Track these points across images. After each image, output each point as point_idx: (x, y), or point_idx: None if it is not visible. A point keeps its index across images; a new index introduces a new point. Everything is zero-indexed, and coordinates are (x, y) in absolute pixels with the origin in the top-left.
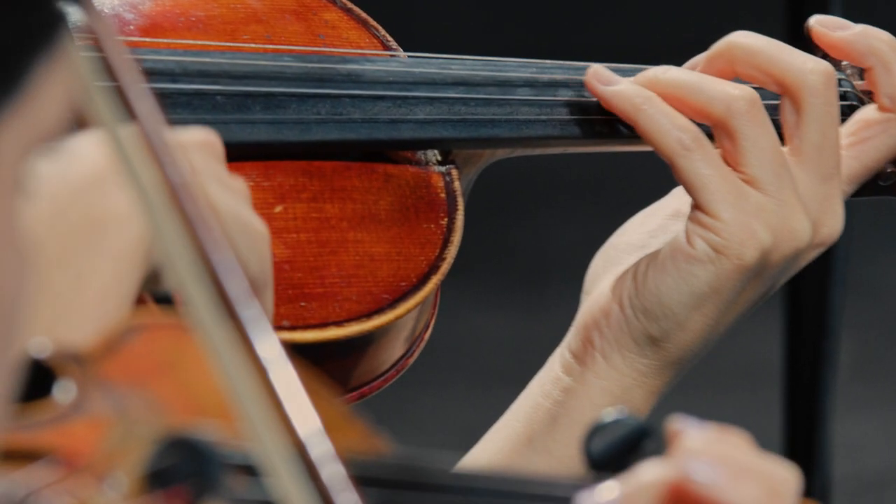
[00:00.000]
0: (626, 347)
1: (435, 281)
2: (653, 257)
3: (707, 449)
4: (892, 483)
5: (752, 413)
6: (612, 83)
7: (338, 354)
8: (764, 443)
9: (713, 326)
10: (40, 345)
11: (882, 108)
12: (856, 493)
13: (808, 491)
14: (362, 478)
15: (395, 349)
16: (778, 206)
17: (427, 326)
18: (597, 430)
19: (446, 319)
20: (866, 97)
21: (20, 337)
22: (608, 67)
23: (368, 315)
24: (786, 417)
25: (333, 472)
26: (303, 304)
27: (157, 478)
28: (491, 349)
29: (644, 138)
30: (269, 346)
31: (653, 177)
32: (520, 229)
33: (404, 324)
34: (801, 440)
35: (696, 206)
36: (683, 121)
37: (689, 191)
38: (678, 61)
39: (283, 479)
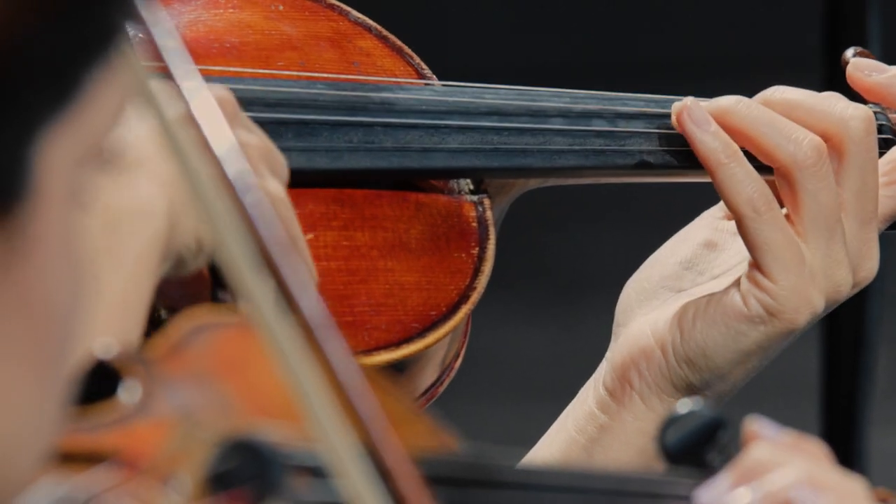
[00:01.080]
0: (666, 392)
1: (465, 310)
2: (702, 308)
3: (789, 460)
4: None
5: (790, 425)
6: (702, 125)
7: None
8: None
9: (752, 375)
10: (106, 345)
11: None
12: None
13: None
14: (433, 476)
15: (424, 378)
16: (828, 265)
17: (458, 355)
18: (671, 421)
19: (484, 333)
20: None
21: (77, 347)
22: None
23: (398, 344)
24: (823, 430)
25: (405, 471)
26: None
27: (219, 480)
28: (528, 363)
29: (719, 191)
30: (334, 341)
31: (689, 191)
32: (556, 243)
33: (434, 353)
34: (838, 452)
35: (756, 267)
36: (760, 182)
37: (752, 251)
38: (714, 86)
39: (353, 479)
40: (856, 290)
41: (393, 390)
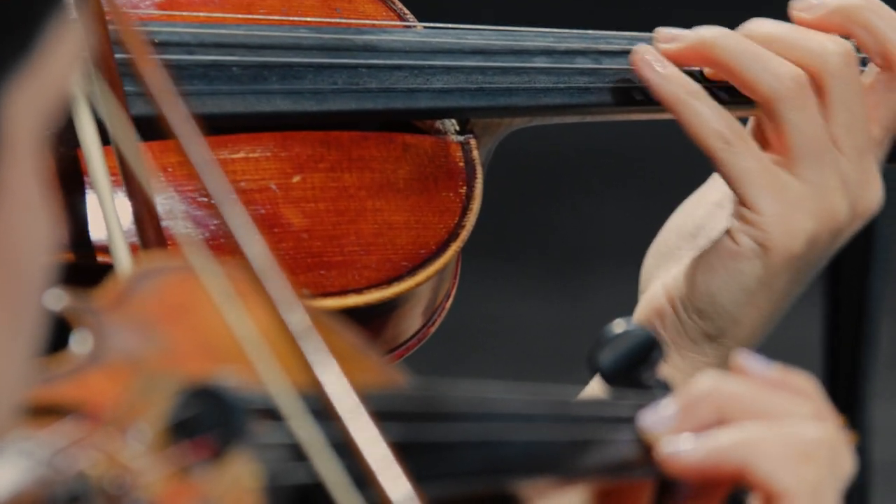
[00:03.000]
0: (685, 347)
1: (454, 248)
2: (700, 257)
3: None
4: None
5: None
6: (658, 67)
7: (358, 323)
8: None
9: (769, 316)
10: (55, 296)
11: (880, 68)
12: (895, 477)
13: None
14: (381, 412)
15: (416, 318)
16: (818, 191)
17: (448, 295)
18: (604, 342)
19: (488, 306)
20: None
21: (41, 296)
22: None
23: (388, 283)
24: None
25: (352, 410)
26: (322, 272)
27: (181, 428)
28: (533, 336)
29: (685, 129)
30: (280, 284)
31: (694, 160)
32: (561, 214)
33: (424, 292)
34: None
35: (739, 201)
36: (726, 115)
37: (730, 184)
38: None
39: (302, 420)
40: (862, 221)
41: (339, 329)
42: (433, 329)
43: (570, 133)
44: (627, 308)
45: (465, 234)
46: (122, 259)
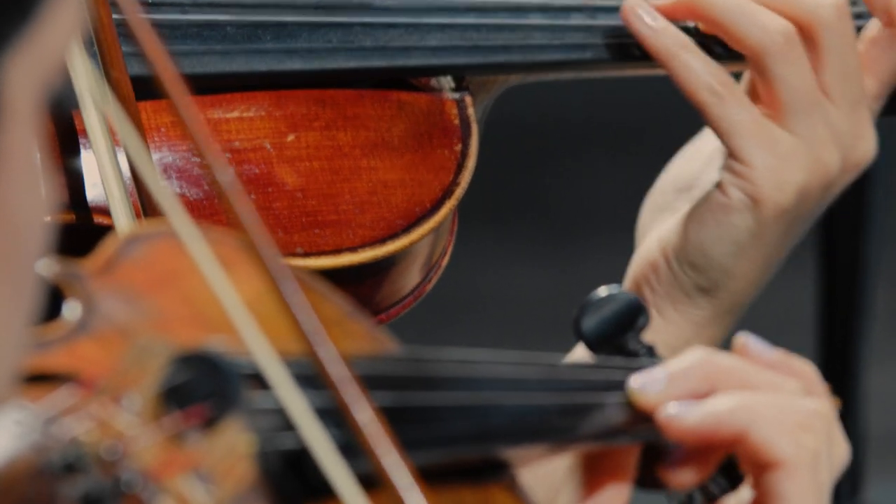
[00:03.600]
0: (679, 301)
1: (449, 206)
2: (692, 211)
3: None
4: None
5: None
6: (649, 20)
7: (354, 281)
8: None
9: (762, 268)
10: (45, 264)
11: (883, 24)
12: (890, 444)
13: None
14: (369, 377)
15: (411, 276)
16: (808, 144)
17: (444, 253)
18: (588, 307)
19: (482, 272)
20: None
21: (37, 265)
22: None
23: (382, 241)
24: (820, 368)
25: (341, 376)
26: (317, 231)
27: (174, 395)
28: (527, 302)
29: (676, 83)
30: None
31: (691, 126)
32: (555, 180)
33: (420, 250)
34: (834, 391)
35: (729, 154)
36: (716, 68)
37: (721, 137)
38: None
39: (292, 388)
40: (854, 174)
41: (329, 294)
42: (429, 286)
43: (565, 97)
44: (621, 273)
45: (459, 192)
46: (122, 220)
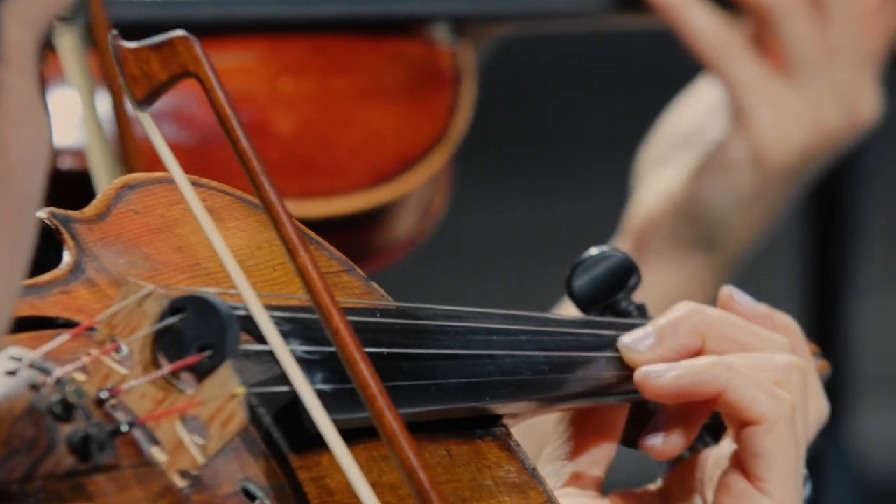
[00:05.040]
0: (679, 254)
1: (442, 155)
2: (696, 166)
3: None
4: None
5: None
6: None
7: (349, 227)
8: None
9: (761, 223)
10: (41, 212)
11: None
12: (881, 378)
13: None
14: (363, 327)
15: (407, 223)
16: (812, 101)
17: (439, 202)
18: (580, 267)
19: (469, 206)
20: None
21: (35, 206)
22: None
23: (376, 186)
24: (806, 305)
25: (334, 325)
26: (311, 176)
27: (168, 342)
28: (518, 240)
29: (682, 39)
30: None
31: (687, 66)
32: (547, 114)
33: (414, 197)
34: (823, 325)
35: (734, 112)
36: (721, 25)
37: (727, 91)
38: None
39: (285, 334)
40: (857, 131)
41: (324, 247)
42: (425, 235)
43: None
44: (614, 214)
45: (453, 142)
46: (100, 166)
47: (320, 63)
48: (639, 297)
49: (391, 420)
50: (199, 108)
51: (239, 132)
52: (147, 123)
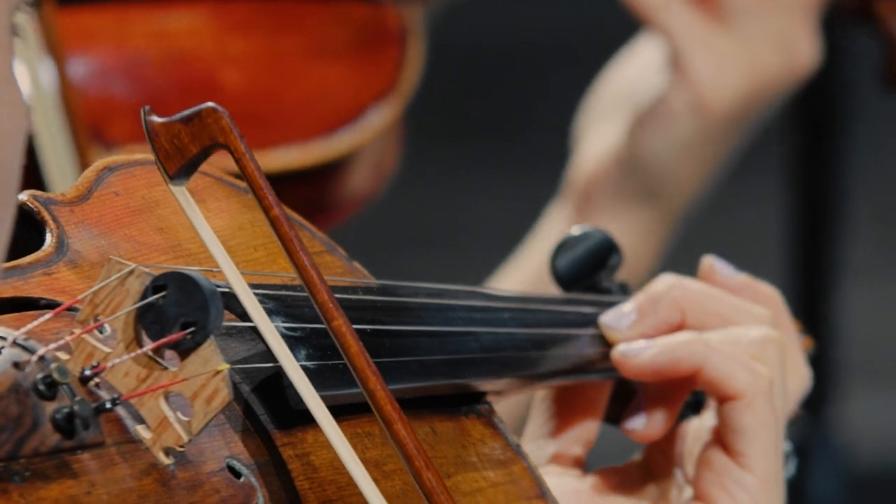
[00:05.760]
0: (624, 206)
1: (391, 108)
2: (640, 116)
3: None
4: None
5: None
6: None
7: (303, 181)
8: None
9: (706, 170)
10: (23, 195)
11: None
12: (867, 365)
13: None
14: (347, 304)
15: (359, 179)
16: (750, 47)
17: (391, 160)
18: (562, 246)
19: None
20: None
21: (17, 181)
22: None
23: (328, 137)
24: (793, 292)
25: (316, 301)
26: (263, 130)
27: (151, 320)
28: (492, 224)
29: None
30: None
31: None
32: (530, 103)
33: (366, 152)
34: (810, 312)
35: (673, 61)
36: None
37: (667, 42)
38: None
39: (267, 311)
40: (798, 78)
41: (307, 227)
42: (377, 192)
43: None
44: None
45: (403, 96)
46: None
47: (267, 23)
48: None
49: (385, 397)
50: (148, 64)
51: (272, 199)
52: (182, 198)
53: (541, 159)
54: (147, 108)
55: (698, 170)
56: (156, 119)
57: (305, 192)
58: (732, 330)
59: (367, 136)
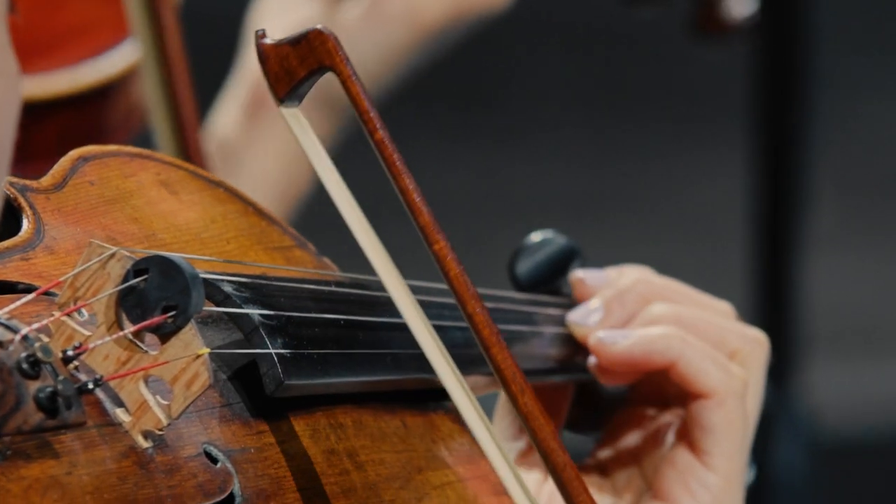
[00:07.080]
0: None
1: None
2: (354, 21)
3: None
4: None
5: (723, 257)
6: None
7: (69, 107)
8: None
9: (393, 79)
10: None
11: None
12: (830, 335)
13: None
14: (316, 296)
15: (123, 107)
16: None
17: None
18: (523, 251)
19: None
20: None
21: (9, 151)
22: None
23: (93, 60)
24: (757, 262)
25: (288, 292)
26: (35, 58)
27: (132, 303)
28: (463, 195)
29: None
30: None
31: (635, 29)
32: (498, 73)
33: (129, 79)
34: (773, 283)
35: None
36: None
37: None
38: None
39: (246, 298)
40: (490, 12)
41: (277, 222)
42: (138, 125)
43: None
44: (564, 168)
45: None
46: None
47: None
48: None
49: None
50: None
51: (377, 122)
52: (293, 121)
53: (506, 132)
54: (260, 30)
55: (385, 78)
56: (266, 41)
57: (68, 119)
58: (715, 325)
59: (115, 69)
